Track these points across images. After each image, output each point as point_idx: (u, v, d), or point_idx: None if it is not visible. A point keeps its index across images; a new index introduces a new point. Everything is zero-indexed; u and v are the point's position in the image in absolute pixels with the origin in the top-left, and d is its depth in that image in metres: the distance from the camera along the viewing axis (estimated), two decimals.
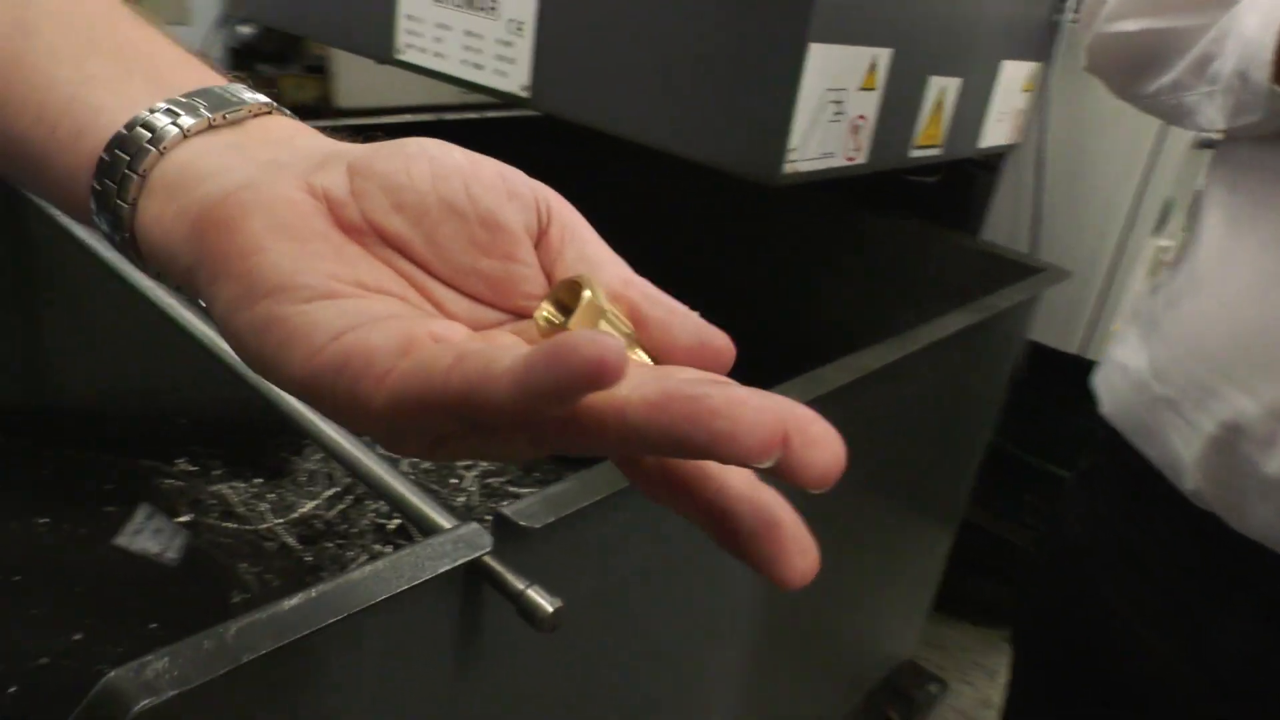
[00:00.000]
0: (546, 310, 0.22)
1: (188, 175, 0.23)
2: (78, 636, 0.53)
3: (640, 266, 0.24)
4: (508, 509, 0.36)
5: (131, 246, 0.24)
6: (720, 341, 0.23)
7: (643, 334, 0.23)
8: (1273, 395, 0.43)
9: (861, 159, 0.64)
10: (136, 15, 0.27)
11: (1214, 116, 0.46)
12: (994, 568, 1.15)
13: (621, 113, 0.62)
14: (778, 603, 0.65)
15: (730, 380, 0.18)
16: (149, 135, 0.23)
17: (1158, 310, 0.51)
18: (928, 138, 0.72)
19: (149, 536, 0.71)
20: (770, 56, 0.54)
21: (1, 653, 0.49)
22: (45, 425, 0.75)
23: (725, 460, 0.17)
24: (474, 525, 0.35)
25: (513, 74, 0.67)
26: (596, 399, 0.18)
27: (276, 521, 0.81)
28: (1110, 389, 0.54)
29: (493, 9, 0.66)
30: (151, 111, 0.23)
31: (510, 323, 0.23)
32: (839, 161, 0.62)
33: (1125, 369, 0.52)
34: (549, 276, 0.24)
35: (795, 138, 0.56)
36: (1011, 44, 0.81)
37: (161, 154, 0.23)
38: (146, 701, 0.26)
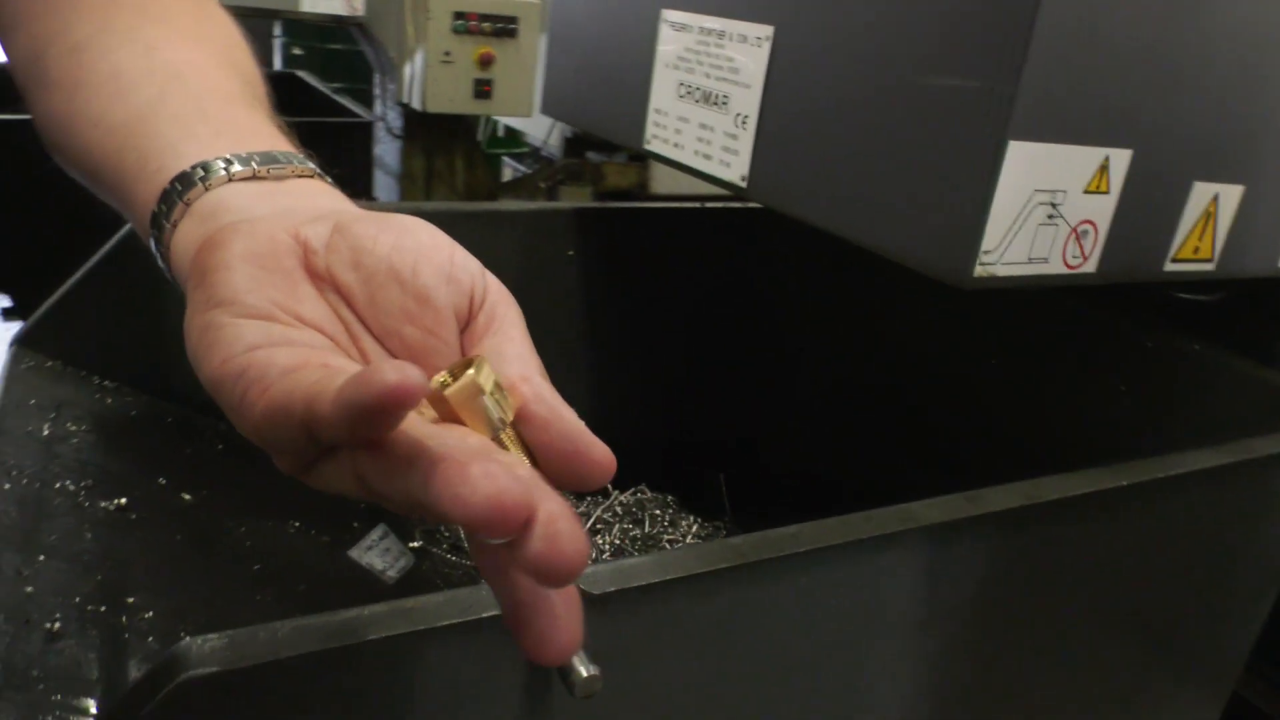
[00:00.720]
0: (440, 378, 0.24)
1: (219, 208, 0.28)
2: None
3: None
4: None
5: (165, 259, 0.29)
6: (597, 453, 0.24)
7: (524, 430, 0.24)
8: None
9: (1089, 268, 0.59)
10: (250, 101, 0.34)
11: None
12: None
13: (825, 206, 0.62)
14: None
15: (532, 473, 0.19)
16: (202, 174, 0.29)
17: None
18: (1191, 251, 0.64)
19: (378, 554, 0.80)
20: (966, 153, 0.52)
21: (220, 627, 0.58)
22: None
23: (465, 526, 0.18)
24: None
25: (734, 165, 0.69)
26: (402, 445, 0.20)
27: None
28: None
29: (724, 104, 0.69)
30: (215, 159, 0.29)
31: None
32: (1055, 269, 0.57)
33: None
34: (464, 355, 0.26)
35: (991, 239, 0.52)
36: None
37: (206, 189, 0.28)
38: (195, 671, 0.31)
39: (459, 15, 1.70)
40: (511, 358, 0.26)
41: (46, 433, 0.68)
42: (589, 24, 0.85)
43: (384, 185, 2.04)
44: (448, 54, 1.76)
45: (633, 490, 0.98)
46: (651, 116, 0.78)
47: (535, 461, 0.25)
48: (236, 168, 0.29)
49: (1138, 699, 0.73)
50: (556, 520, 0.19)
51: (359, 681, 0.34)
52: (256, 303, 0.24)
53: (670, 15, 0.74)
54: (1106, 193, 0.57)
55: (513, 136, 2.91)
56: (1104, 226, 0.58)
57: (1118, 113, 0.55)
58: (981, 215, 0.52)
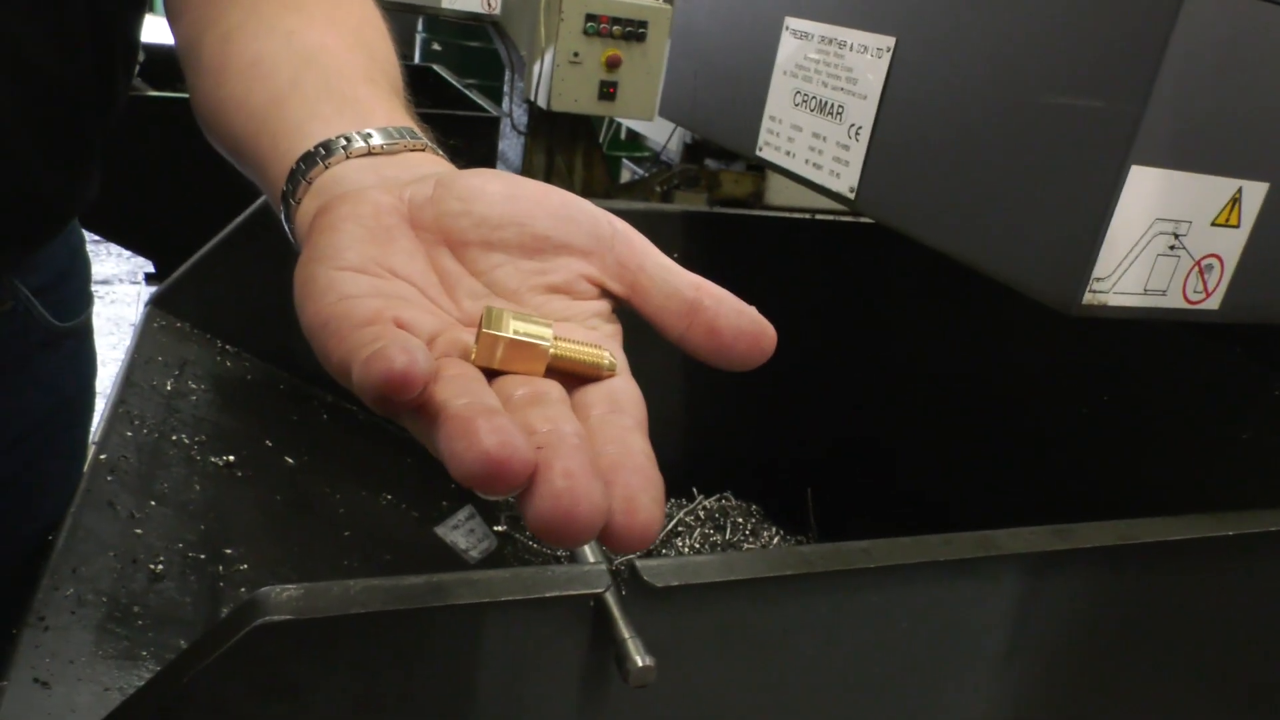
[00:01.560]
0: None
1: (334, 182, 0.30)
2: None
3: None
4: (643, 563, 0.38)
5: (293, 234, 0.31)
6: (759, 329, 0.27)
7: (705, 322, 0.25)
8: None
9: (1211, 305, 0.56)
10: (375, 79, 0.35)
11: None
12: None
13: (933, 222, 0.61)
14: None
15: (568, 429, 0.20)
16: (324, 153, 0.30)
17: None
18: None
19: (463, 534, 0.82)
20: (1084, 176, 0.50)
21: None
22: None
23: (463, 482, 0.18)
24: (601, 567, 0.37)
25: (844, 176, 0.69)
26: (432, 406, 0.21)
27: None
28: None
29: (839, 114, 0.69)
30: (336, 138, 0.31)
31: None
32: (1174, 303, 0.54)
33: None
34: (633, 285, 0.27)
35: (1104, 266, 0.50)
36: None
37: (326, 168, 0.30)
38: (269, 618, 0.32)
39: (590, 17, 1.73)
40: (673, 270, 0.27)
41: (169, 388, 0.72)
42: (711, 29, 0.85)
43: None
44: (576, 55, 1.79)
45: (718, 496, 0.97)
46: (765, 123, 0.78)
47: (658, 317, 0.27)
48: (357, 144, 0.31)
49: None
50: (573, 480, 0.19)
51: (423, 645, 0.35)
52: (352, 258, 0.26)
53: (793, 23, 0.74)
54: (1237, 226, 0.54)
55: (634, 140, 2.94)
56: (1231, 262, 0.55)
57: (1256, 143, 0.52)
58: (1095, 241, 0.50)
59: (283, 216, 0.32)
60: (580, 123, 2.05)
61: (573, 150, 2.08)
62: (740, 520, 0.91)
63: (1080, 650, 0.52)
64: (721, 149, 2.09)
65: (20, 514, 0.56)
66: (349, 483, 0.78)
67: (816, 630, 0.43)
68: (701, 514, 0.92)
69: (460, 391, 0.22)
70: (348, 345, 0.23)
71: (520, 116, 2.05)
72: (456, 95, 2.29)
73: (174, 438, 0.68)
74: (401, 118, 0.34)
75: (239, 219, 0.83)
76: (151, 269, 1.94)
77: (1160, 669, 0.57)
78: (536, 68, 1.90)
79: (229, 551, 0.60)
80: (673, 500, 0.95)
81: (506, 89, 2.17)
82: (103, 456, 0.60)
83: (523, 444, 0.19)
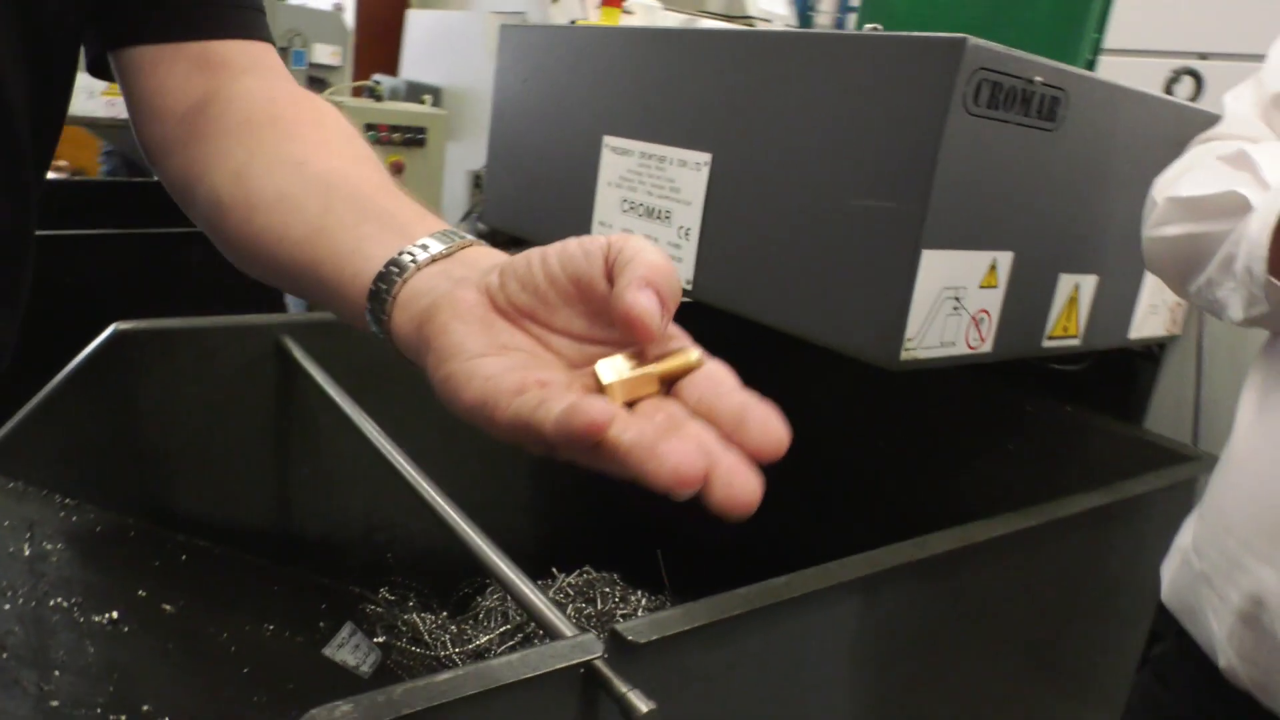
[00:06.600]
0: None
1: (415, 294, 0.35)
2: None
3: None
4: (620, 625, 0.44)
5: (392, 344, 0.36)
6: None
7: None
8: None
9: (986, 348, 0.70)
10: (392, 188, 0.41)
11: (1236, 309, 0.50)
12: None
13: (765, 304, 0.72)
14: None
15: (709, 435, 0.27)
16: (397, 270, 0.35)
17: (1204, 489, 0.54)
18: (1062, 330, 0.77)
19: (350, 651, 0.83)
20: (888, 261, 0.63)
21: None
22: (282, 548, 0.90)
23: (659, 491, 0.26)
24: (590, 635, 0.43)
25: (680, 270, 0.79)
26: (607, 443, 0.27)
27: (455, 650, 0.91)
28: (1168, 571, 0.56)
29: (667, 218, 0.79)
30: (400, 254, 0.36)
31: (607, 348, 0.33)
32: (960, 350, 0.68)
33: (1179, 548, 0.55)
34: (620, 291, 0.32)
35: (912, 329, 0.63)
36: None
37: (404, 283, 0.35)
38: None
39: (370, 126, 1.77)
40: (651, 262, 0.32)
41: (27, 552, 0.69)
42: (530, 144, 0.94)
43: None
44: None
45: (578, 571, 1.03)
46: (596, 228, 0.87)
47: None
48: (421, 256, 0.36)
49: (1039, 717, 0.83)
50: (734, 473, 0.27)
51: None
52: (473, 347, 0.31)
53: (611, 141, 0.84)
54: (996, 287, 0.68)
55: None
56: (996, 313, 0.70)
57: (1002, 224, 0.67)
58: (904, 310, 0.62)
59: (373, 327, 0.37)
60: None
61: None
62: (607, 590, 0.98)
63: (924, 643, 0.63)
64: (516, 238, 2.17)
65: None
66: (229, 619, 0.76)
67: (751, 663, 0.51)
68: (570, 590, 0.97)
69: (625, 427, 0.28)
70: (513, 410, 0.29)
71: None
72: None
73: (51, 603, 0.65)
74: (434, 221, 0.39)
75: (64, 374, 0.80)
76: None
77: (978, 641, 0.70)
78: None
79: (146, 708, 0.59)
80: (540, 581, 1.00)
81: None
82: None
83: (699, 456, 0.26)
